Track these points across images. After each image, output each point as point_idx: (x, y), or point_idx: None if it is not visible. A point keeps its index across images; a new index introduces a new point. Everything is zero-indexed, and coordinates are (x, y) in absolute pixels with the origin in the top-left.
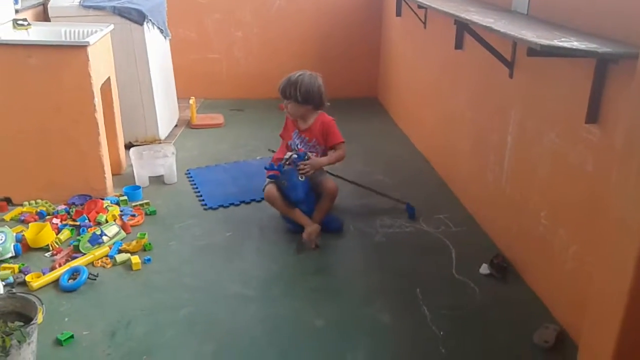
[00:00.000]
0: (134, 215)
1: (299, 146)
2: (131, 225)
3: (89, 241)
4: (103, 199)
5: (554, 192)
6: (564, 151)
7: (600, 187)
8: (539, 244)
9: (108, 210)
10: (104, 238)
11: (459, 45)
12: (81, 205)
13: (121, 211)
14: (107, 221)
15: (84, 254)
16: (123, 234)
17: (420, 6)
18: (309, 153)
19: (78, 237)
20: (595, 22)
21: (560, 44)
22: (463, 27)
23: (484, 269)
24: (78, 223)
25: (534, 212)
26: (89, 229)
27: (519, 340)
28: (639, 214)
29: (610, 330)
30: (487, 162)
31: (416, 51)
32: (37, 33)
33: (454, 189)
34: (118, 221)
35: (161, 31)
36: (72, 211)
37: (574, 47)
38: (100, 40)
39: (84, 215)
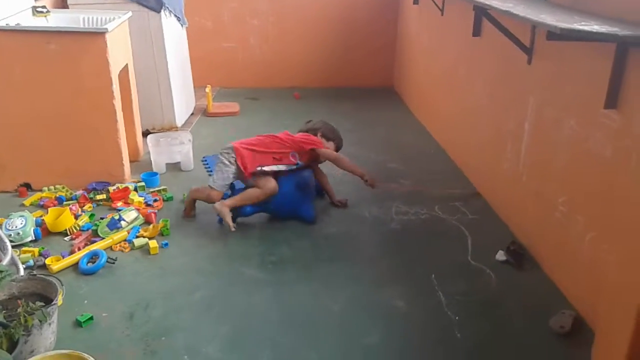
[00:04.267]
0: (155, 200)
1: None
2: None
3: (107, 226)
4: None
5: (572, 179)
6: (583, 137)
7: (619, 174)
8: (555, 230)
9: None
10: (122, 223)
11: (476, 32)
12: (101, 190)
13: (145, 201)
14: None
15: (103, 238)
16: (141, 219)
17: None
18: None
19: (96, 222)
20: (615, 6)
21: (580, 27)
22: (481, 13)
23: (500, 255)
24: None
25: (551, 199)
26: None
27: (535, 326)
28: None
29: (627, 316)
30: (504, 149)
31: (433, 39)
32: (56, 20)
33: (470, 177)
34: (142, 211)
35: (178, 19)
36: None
37: (594, 31)
38: (118, 27)
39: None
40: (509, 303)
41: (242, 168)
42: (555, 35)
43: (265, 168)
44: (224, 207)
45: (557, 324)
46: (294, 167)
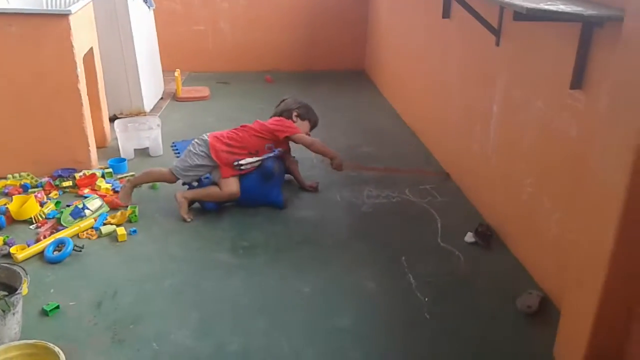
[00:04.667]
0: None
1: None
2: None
3: (70, 214)
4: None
5: (539, 159)
6: (549, 118)
7: (584, 154)
8: (523, 211)
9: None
10: (86, 212)
11: (446, 14)
12: (67, 177)
13: (112, 187)
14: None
15: (66, 227)
16: (106, 207)
17: None
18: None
19: (61, 210)
20: None
21: (546, 7)
22: None
23: (469, 237)
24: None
25: (519, 180)
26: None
27: (503, 305)
28: (620, 179)
29: (591, 295)
30: (473, 132)
31: (403, 22)
32: (18, 2)
33: (441, 160)
34: (108, 197)
35: (145, 1)
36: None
37: (560, 10)
38: (82, 9)
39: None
40: (477, 284)
41: (218, 163)
42: (522, 15)
43: (242, 162)
44: (182, 199)
45: (524, 303)
46: (272, 154)
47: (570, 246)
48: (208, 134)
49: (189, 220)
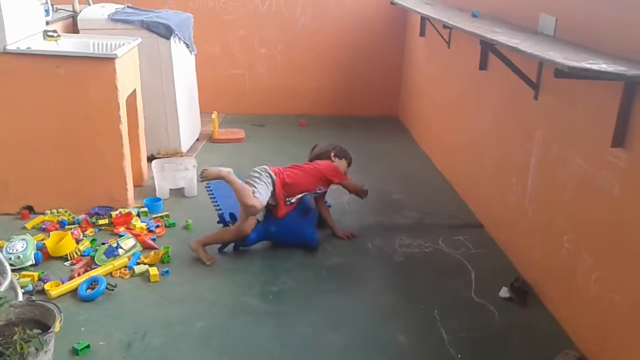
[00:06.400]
0: (158, 226)
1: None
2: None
3: (104, 253)
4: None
5: (578, 216)
6: (590, 175)
7: (626, 212)
8: (561, 268)
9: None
10: (120, 251)
11: (483, 65)
12: (103, 215)
13: (147, 226)
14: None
15: (100, 265)
16: (139, 247)
17: (445, 26)
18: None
19: (97, 247)
20: (622, 45)
21: (589, 66)
22: (488, 48)
23: (504, 292)
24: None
25: (557, 236)
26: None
27: None
28: None
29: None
30: (509, 184)
31: (439, 71)
32: (67, 44)
33: (475, 210)
34: (142, 237)
35: (187, 46)
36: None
37: (602, 70)
38: (127, 53)
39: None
40: (512, 341)
41: (279, 202)
42: (563, 72)
43: (293, 199)
44: (197, 246)
45: None
46: (315, 193)
47: (610, 306)
48: (269, 168)
49: (208, 263)
